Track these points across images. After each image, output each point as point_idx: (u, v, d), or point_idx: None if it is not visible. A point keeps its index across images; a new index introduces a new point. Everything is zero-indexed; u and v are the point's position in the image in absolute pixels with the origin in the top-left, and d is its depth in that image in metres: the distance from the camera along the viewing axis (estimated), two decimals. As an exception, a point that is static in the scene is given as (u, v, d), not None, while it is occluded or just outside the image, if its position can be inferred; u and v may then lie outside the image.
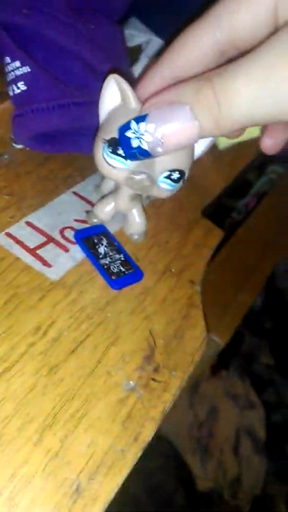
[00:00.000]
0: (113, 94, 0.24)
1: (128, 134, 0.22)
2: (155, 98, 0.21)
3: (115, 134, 0.23)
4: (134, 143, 0.22)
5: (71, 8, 0.29)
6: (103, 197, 0.31)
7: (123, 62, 0.34)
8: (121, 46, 0.35)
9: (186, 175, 0.26)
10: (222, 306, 0.39)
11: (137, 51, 0.41)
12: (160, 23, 0.39)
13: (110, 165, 0.25)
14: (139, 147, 0.21)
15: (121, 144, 0.23)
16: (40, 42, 0.29)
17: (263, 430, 1.18)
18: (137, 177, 0.24)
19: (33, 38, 0.29)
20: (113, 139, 0.24)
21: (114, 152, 0.24)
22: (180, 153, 0.24)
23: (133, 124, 0.21)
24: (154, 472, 0.99)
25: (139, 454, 0.21)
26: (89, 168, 0.33)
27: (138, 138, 0.21)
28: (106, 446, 0.21)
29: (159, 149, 0.21)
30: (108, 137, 0.24)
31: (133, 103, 0.23)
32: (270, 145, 0.26)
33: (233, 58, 0.23)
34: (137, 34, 0.41)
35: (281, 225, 0.52)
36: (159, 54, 0.39)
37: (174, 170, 0.25)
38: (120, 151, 0.24)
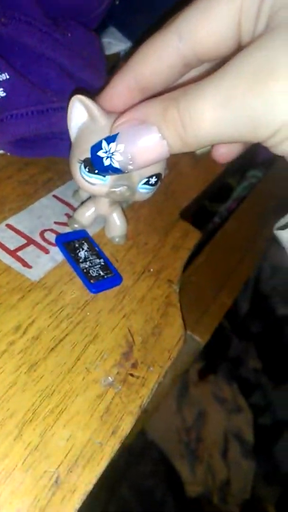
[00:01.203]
0: (79, 113, 0.26)
1: (100, 154, 0.23)
2: (124, 117, 0.22)
3: (89, 154, 0.24)
4: (106, 162, 0.23)
5: (48, 17, 0.30)
6: (83, 202, 0.31)
7: (101, 69, 0.35)
8: (99, 53, 0.36)
9: (163, 175, 0.27)
10: (202, 307, 0.40)
11: (115, 59, 0.42)
12: (137, 31, 0.40)
13: (89, 183, 0.26)
14: (110, 165, 0.22)
15: (93, 162, 0.24)
16: (18, 50, 0.30)
17: (251, 433, 1.19)
18: (118, 190, 0.25)
19: (11, 46, 0.29)
20: (88, 159, 0.25)
21: (91, 171, 0.25)
22: None
23: (104, 144, 0.22)
24: (144, 478, 0.99)
25: (117, 447, 0.22)
26: (68, 172, 0.34)
27: (109, 157, 0.22)
28: (85, 440, 0.22)
29: (130, 167, 0.22)
30: (83, 157, 0.25)
31: (101, 121, 0.25)
32: (223, 153, 0.27)
33: (197, 68, 0.24)
34: (115, 43, 0.42)
35: (260, 229, 0.54)
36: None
37: (151, 176, 0.26)
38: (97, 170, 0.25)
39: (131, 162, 0.22)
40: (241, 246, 0.52)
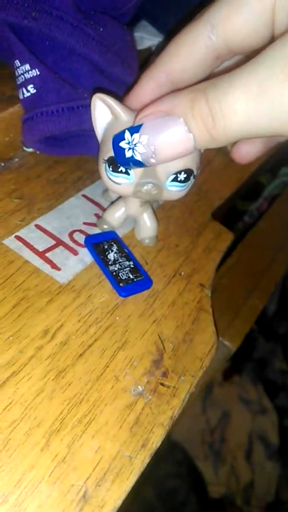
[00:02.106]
0: (103, 112, 0.25)
1: (122, 144, 0.22)
2: (149, 109, 0.21)
3: (112, 153, 0.23)
4: (128, 154, 0.21)
5: (79, 10, 0.29)
6: (112, 202, 0.30)
7: (133, 64, 0.34)
8: (131, 48, 0.34)
9: (195, 172, 0.25)
10: (232, 311, 0.39)
11: (147, 53, 0.41)
12: (170, 25, 0.39)
13: (115, 182, 0.25)
14: (132, 157, 0.21)
15: (115, 153, 0.23)
16: (48, 45, 0.29)
17: (276, 435, 1.16)
18: (144, 188, 0.24)
19: (42, 41, 0.29)
20: (111, 157, 0.24)
21: (115, 170, 0.24)
22: None
23: (127, 135, 0.21)
24: (167, 478, 0.98)
25: (147, 461, 0.21)
26: (98, 171, 0.33)
27: (131, 148, 0.21)
28: (114, 452, 0.21)
29: (152, 160, 0.21)
30: (106, 157, 0.24)
31: (124, 116, 0.23)
32: (243, 154, 0.25)
33: (229, 60, 0.23)
34: (147, 37, 0.41)
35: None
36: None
37: (179, 172, 0.24)
38: (121, 168, 0.24)
39: (153, 155, 0.20)
40: (272, 246, 0.50)
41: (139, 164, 0.22)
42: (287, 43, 0.17)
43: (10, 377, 0.21)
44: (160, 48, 0.35)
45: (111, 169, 0.24)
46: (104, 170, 0.25)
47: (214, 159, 0.32)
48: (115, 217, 0.30)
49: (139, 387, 0.23)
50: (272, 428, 1.18)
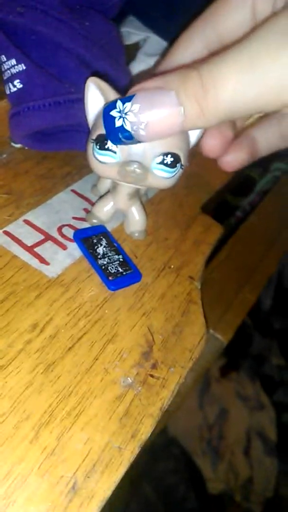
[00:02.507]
0: (95, 97, 0.25)
1: (113, 113, 0.21)
2: (142, 84, 0.21)
3: (101, 131, 0.23)
4: (118, 123, 0.21)
5: (65, 5, 0.29)
6: (101, 196, 0.30)
7: (119, 59, 0.34)
8: (117, 43, 0.35)
9: (182, 159, 0.25)
10: (224, 304, 0.39)
11: (134, 48, 0.41)
12: (157, 20, 0.39)
13: (101, 162, 0.24)
14: (121, 127, 0.21)
15: (104, 123, 0.22)
16: (34, 40, 0.29)
17: (274, 431, 1.17)
18: (129, 168, 0.24)
19: (28, 36, 0.29)
20: (99, 135, 0.24)
21: (102, 147, 0.24)
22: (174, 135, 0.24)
23: (119, 103, 0.21)
24: (165, 475, 0.98)
25: (136, 451, 0.21)
26: (86, 166, 0.33)
27: (122, 117, 0.21)
28: (103, 444, 0.21)
29: (141, 132, 0.20)
30: (95, 136, 0.24)
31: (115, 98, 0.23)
32: (230, 161, 0.26)
33: None
34: (134, 32, 0.41)
35: (284, 223, 0.52)
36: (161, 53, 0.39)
37: (166, 154, 0.24)
38: (108, 145, 0.24)
39: (143, 128, 0.20)
40: (264, 241, 0.50)
41: (128, 136, 0.21)
42: (275, 23, 0.18)
43: (-1, 371, 0.21)
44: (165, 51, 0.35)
45: (98, 147, 0.24)
46: (92, 150, 0.25)
47: (201, 154, 0.32)
48: (104, 211, 0.29)
49: (129, 378, 0.23)
50: (270, 424, 1.18)
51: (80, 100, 0.29)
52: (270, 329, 1.28)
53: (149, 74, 0.26)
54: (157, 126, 0.20)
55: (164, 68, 0.25)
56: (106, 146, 0.24)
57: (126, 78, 0.33)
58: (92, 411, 0.22)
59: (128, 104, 0.21)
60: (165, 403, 0.23)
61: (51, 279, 0.26)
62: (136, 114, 0.20)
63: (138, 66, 0.38)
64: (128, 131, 0.21)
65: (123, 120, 0.21)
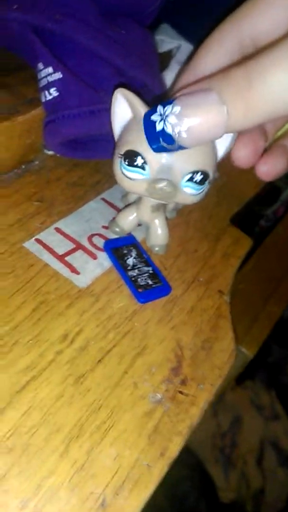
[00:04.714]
0: (123, 109, 0.24)
1: (154, 117, 0.21)
2: (184, 89, 0.21)
3: (130, 147, 0.23)
4: (159, 126, 0.21)
5: (102, 13, 0.29)
6: (126, 206, 0.30)
7: (154, 68, 0.34)
8: (152, 52, 0.34)
9: (211, 176, 0.24)
10: (250, 317, 0.38)
11: (167, 56, 0.41)
12: (190, 28, 0.39)
13: (129, 178, 0.24)
14: (163, 130, 0.20)
15: (145, 128, 0.22)
16: (71, 48, 0.29)
17: (288, 442, 1.15)
18: (159, 185, 0.23)
19: (64, 44, 0.29)
20: (128, 151, 0.23)
21: (131, 164, 0.23)
22: (201, 152, 0.23)
23: (159, 107, 0.21)
24: (178, 482, 0.97)
25: (165, 470, 0.21)
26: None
27: (163, 120, 0.20)
28: (132, 460, 0.21)
29: (184, 135, 0.20)
30: (123, 151, 0.24)
31: (143, 112, 0.23)
32: (267, 170, 0.25)
33: None
34: (168, 40, 0.40)
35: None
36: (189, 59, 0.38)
37: (196, 172, 0.23)
38: (138, 161, 0.23)
39: (185, 130, 0.19)
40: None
41: (169, 140, 0.20)
42: None
43: (30, 382, 0.21)
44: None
45: (126, 163, 0.24)
46: (119, 165, 0.24)
47: (232, 165, 0.31)
48: (127, 221, 0.29)
49: (158, 394, 0.23)
50: (284, 434, 1.17)
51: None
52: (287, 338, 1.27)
53: (182, 76, 0.26)
54: (200, 128, 0.19)
55: (192, 72, 0.24)
56: (135, 163, 0.23)
57: (161, 86, 0.33)
58: (122, 426, 0.21)
59: (169, 107, 0.20)
60: (194, 421, 0.23)
61: (81, 289, 0.26)
62: (178, 116, 0.19)
63: (171, 74, 0.38)
64: (170, 135, 0.20)
65: (164, 123, 0.20)
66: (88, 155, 0.32)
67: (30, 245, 0.27)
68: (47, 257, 0.27)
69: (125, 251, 0.29)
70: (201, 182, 0.24)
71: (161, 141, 0.21)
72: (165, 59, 0.40)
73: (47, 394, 0.21)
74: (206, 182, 0.24)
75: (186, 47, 0.40)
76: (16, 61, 0.31)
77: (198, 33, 0.39)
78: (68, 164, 0.33)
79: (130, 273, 0.28)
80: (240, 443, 1.10)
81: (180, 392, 0.24)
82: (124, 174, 0.24)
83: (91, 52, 0.29)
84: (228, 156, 0.25)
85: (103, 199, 0.32)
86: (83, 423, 0.21)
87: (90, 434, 0.21)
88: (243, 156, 0.25)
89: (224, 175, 0.38)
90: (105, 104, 0.29)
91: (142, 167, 0.23)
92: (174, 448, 0.22)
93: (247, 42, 0.23)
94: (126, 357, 0.24)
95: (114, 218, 0.30)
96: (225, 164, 0.25)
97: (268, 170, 0.25)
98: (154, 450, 0.21)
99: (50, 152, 0.32)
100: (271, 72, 0.18)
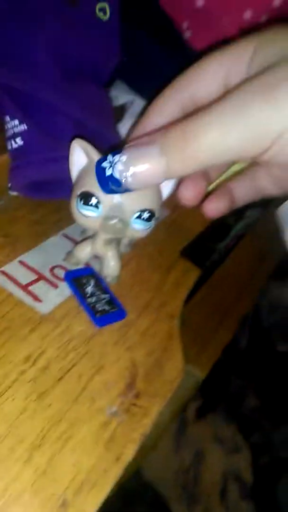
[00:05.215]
0: (79, 156, 0.28)
1: (104, 164, 0.24)
2: (131, 142, 0.25)
3: (85, 188, 0.27)
4: (108, 172, 0.24)
5: (63, 73, 0.34)
6: (82, 240, 0.33)
7: (109, 120, 0.38)
8: (107, 106, 0.39)
9: (157, 214, 0.28)
10: (201, 343, 0.42)
11: (121, 110, 0.46)
12: (143, 84, 0.44)
13: (84, 216, 0.28)
14: (111, 176, 0.24)
15: (96, 174, 0.25)
16: (36, 103, 0.33)
17: (250, 474, 1.17)
18: (110, 222, 0.27)
19: (30, 100, 0.33)
20: (83, 192, 0.27)
21: (86, 203, 0.27)
22: (147, 194, 0.27)
23: (109, 156, 0.24)
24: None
25: (120, 473, 0.23)
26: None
27: (111, 167, 0.24)
28: (90, 466, 0.23)
29: (129, 180, 0.23)
30: (79, 192, 0.27)
31: (98, 157, 0.26)
32: (213, 208, 0.29)
33: None
34: (121, 95, 0.45)
35: (256, 267, 0.56)
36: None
37: (143, 210, 0.27)
38: (92, 201, 0.27)
39: (130, 176, 0.23)
40: (238, 283, 0.54)
41: (117, 184, 0.24)
42: (253, 81, 0.21)
43: (-4, 398, 0.23)
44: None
45: (82, 202, 0.27)
46: (76, 204, 0.28)
47: (180, 204, 0.36)
48: (82, 253, 0.32)
49: (113, 407, 0.26)
50: (246, 466, 1.18)
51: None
52: (247, 369, 1.31)
53: (133, 131, 0.30)
54: (143, 174, 0.23)
55: (142, 128, 0.28)
56: (90, 203, 0.27)
57: (116, 136, 0.37)
58: (80, 436, 0.24)
59: (117, 156, 0.24)
60: (147, 430, 0.26)
61: (43, 315, 0.29)
62: (124, 164, 0.23)
63: (125, 125, 0.43)
64: (117, 179, 0.24)
65: (113, 169, 0.24)
66: (50, 195, 0.35)
67: (-4, 276, 0.29)
68: (11, 287, 0.29)
69: (84, 281, 0.32)
70: (149, 219, 0.28)
71: (110, 184, 0.25)
72: (119, 112, 0.45)
73: (12, 409, 0.23)
74: (153, 219, 0.28)
75: (139, 102, 0.45)
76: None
77: (149, 90, 0.44)
78: (31, 204, 0.36)
79: (88, 300, 0.31)
80: (203, 478, 1.10)
81: (134, 405, 0.26)
82: (80, 212, 0.28)
83: (54, 108, 0.33)
84: (175, 197, 0.30)
85: (64, 234, 0.35)
86: (45, 434, 0.23)
87: (51, 443, 0.23)
88: (187, 196, 0.29)
89: (173, 213, 0.42)
90: (65, 152, 0.33)
91: (96, 206, 0.27)
92: (129, 453, 0.24)
93: (187, 102, 0.27)
94: (85, 376, 0.27)
95: (71, 251, 0.33)
96: (174, 203, 0.29)
97: (212, 208, 0.29)
98: (110, 456, 0.24)
99: (14, 193, 0.36)
100: (203, 130, 0.21)
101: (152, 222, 0.28)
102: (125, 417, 0.26)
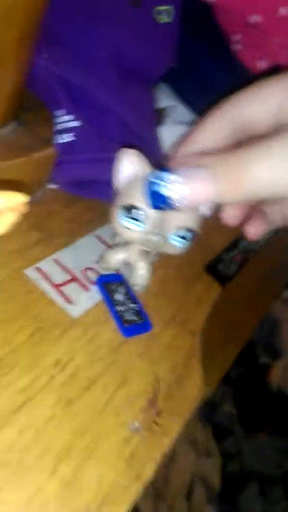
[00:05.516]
0: (126, 166, 0.28)
1: (154, 180, 0.24)
2: (183, 160, 0.24)
3: (130, 201, 0.26)
4: (158, 189, 0.24)
5: (120, 77, 0.33)
6: (116, 245, 0.33)
7: (153, 125, 0.38)
8: (153, 110, 0.39)
9: (195, 233, 0.28)
10: (209, 358, 0.42)
11: (161, 113, 0.45)
12: (189, 93, 0.43)
13: (126, 228, 0.27)
14: (161, 195, 0.24)
15: (148, 190, 0.25)
16: (90, 101, 0.32)
17: (218, 479, 1.18)
18: (152, 238, 0.27)
19: (84, 97, 0.32)
20: (128, 205, 0.27)
21: (129, 216, 0.27)
22: (190, 213, 0.27)
23: (161, 173, 0.24)
24: None
25: (140, 491, 0.23)
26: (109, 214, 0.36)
27: (165, 186, 0.24)
28: (112, 481, 0.23)
29: (178, 200, 0.23)
30: (125, 203, 0.27)
31: (148, 171, 0.26)
32: (254, 231, 0.29)
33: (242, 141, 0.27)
34: (163, 99, 0.45)
35: (265, 285, 0.56)
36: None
37: (184, 229, 0.27)
38: (135, 215, 0.26)
39: (181, 198, 0.23)
40: (249, 299, 0.54)
41: (166, 203, 0.24)
42: None
43: (26, 402, 0.23)
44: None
45: (125, 214, 0.27)
46: (118, 215, 0.28)
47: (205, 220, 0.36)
48: (115, 259, 0.32)
49: (136, 423, 0.26)
50: (215, 471, 1.20)
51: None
52: (227, 377, 1.32)
53: (180, 146, 0.30)
54: (192, 196, 0.23)
55: (191, 143, 0.28)
56: (133, 216, 0.27)
57: (157, 142, 0.37)
58: (104, 449, 0.24)
59: (169, 175, 0.24)
60: (166, 450, 0.26)
61: (73, 319, 0.28)
62: (175, 184, 0.23)
63: (167, 131, 0.42)
64: (167, 199, 0.24)
65: (163, 188, 0.24)
66: (89, 194, 0.35)
67: (31, 272, 0.29)
68: (44, 285, 0.29)
69: (113, 287, 0.31)
70: (187, 238, 0.28)
71: (159, 202, 0.24)
72: (159, 115, 0.45)
73: (40, 416, 0.23)
74: (191, 238, 0.28)
75: (181, 108, 0.44)
76: (36, 99, 0.34)
77: (193, 98, 0.44)
78: (66, 200, 0.36)
79: (118, 308, 0.30)
80: (172, 477, 1.12)
81: (155, 423, 0.26)
82: (122, 223, 0.27)
83: (105, 107, 0.32)
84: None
85: (96, 235, 0.35)
86: (71, 445, 0.23)
87: (77, 454, 0.23)
88: (231, 217, 0.29)
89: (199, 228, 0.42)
90: (111, 153, 0.32)
91: (139, 220, 0.27)
92: (148, 473, 0.24)
93: (238, 125, 0.27)
94: (110, 387, 0.27)
95: (103, 255, 0.33)
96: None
97: (253, 232, 0.30)
98: (131, 473, 0.24)
99: (51, 186, 0.35)
100: (257, 163, 0.22)
101: (190, 240, 0.28)
102: (146, 435, 0.26)
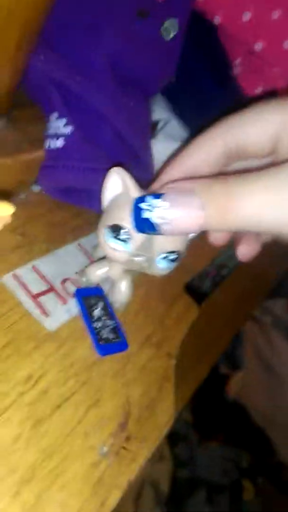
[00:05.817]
0: (115, 184, 0.27)
1: (143, 205, 0.24)
2: (172, 184, 0.24)
3: (117, 221, 0.26)
4: (145, 214, 0.23)
5: (117, 78, 0.32)
6: (100, 259, 0.32)
7: (147, 139, 0.37)
8: (148, 122, 0.38)
9: (182, 256, 0.28)
10: (181, 378, 0.42)
11: (154, 126, 0.45)
12: (186, 109, 0.43)
13: (111, 248, 0.27)
14: (148, 219, 0.23)
15: (133, 213, 0.24)
16: (84, 106, 0.31)
17: (167, 484, 1.19)
18: (137, 259, 0.26)
19: (78, 101, 0.31)
20: (115, 225, 0.26)
21: (116, 236, 0.26)
22: (177, 236, 0.27)
23: (149, 198, 0.23)
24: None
25: (103, 520, 0.23)
26: (96, 222, 0.35)
27: (150, 211, 0.23)
28: (76, 509, 0.22)
29: (165, 227, 0.23)
30: (111, 223, 0.26)
31: (135, 192, 0.26)
32: (246, 252, 0.29)
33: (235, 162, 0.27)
34: (157, 111, 0.44)
35: (240, 303, 0.57)
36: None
37: (171, 252, 0.27)
38: (122, 236, 0.26)
39: (168, 222, 0.22)
40: (223, 318, 0.54)
41: (151, 227, 0.23)
42: None
43: (-7, 420, 0.22)
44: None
45: (112, 235, 0.26)
46: (104, 235, 0.27)
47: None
48: (96, 274, 0.31)
49: (104, 447, 0.25)
50: (165, 476, 1.21)
51: (105, 171, 0.31)
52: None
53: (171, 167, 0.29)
54: (180, 223, 0.23)
55: (183, 163, 0.27)
56: (119, 237, 0.26)
57: (150, 158, 0.36)
58: (70, 474, 0.23)
59: (158, 201, 0.23)
60: (132, 476, 0.25)
61: (49, 332, 0.27)
62: (164, 211, 0.23)
63: (158, 145, 0.41)
64: (153, 224, 0.23)
65: (151, 214, 0.23)
66: (75, 201, 0.34)
67: (7, 279, 0.28)
68: (21, 295, 0.28)
69: (93, 301, 0.31)
70: (174, 260, 0.27)
71: (145, 227, 0.24)
72: (152, 128, 0.44)
73: (6, 434, 0.22)
74: (177, 259, 0.28)
75: (174, 123, 0.44)
76: (27, 97, 0.33)
77: (189, 114, 0.43)
78: (50, 204, 0.34)
79: (94, 324, 0.30)
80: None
81: (124, 448, 0.26)
82: (107, 243, 0.27)
83: (100, 113, 0.31)
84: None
85: (80, 245, 0.34)
86: (36, 467, 0.22)
87: (41, 478, 0.22)
88: (218, 238, 0.29)
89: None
90: (102, 164, 0.31)
91: (125, 241, 0.26)
92: (113, 501, 0.24)
93: (232, 146, 0.26)
94: (82, 407, 0.26)
95: (85, 268, 0.32)
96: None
97: (245, 253, 0.29)
98: (96, 500, 0.23)
99: (37, 189, 0.34)
100: (247, 194, 0.21)
101: (176, 264, 0.28)
102: (114, 460, 0.25)
